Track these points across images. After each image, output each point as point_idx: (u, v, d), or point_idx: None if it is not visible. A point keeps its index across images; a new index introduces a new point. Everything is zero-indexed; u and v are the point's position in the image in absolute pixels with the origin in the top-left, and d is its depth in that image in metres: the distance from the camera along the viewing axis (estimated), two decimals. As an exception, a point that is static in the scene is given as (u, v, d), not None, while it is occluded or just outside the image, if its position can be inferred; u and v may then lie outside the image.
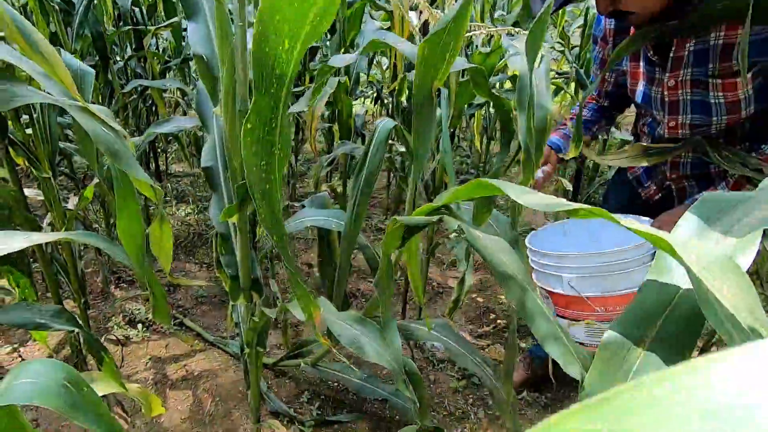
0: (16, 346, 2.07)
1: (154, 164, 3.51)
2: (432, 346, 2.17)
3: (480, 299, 2.56)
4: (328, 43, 2.81)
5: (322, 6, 0.38)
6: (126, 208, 0.74)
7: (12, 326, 0.86)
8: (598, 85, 1.40)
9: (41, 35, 0.56)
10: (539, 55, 0.92)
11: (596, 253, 1.05)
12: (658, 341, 0.40)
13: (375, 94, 3.28)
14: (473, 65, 0.76)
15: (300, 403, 1.80)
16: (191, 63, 2.49)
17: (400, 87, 1.97)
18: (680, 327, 0.40)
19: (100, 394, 0.94)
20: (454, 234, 1.90)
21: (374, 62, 3.20)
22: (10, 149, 1.19)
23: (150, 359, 2.03)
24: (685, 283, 0.41)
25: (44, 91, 0.62)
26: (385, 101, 3.27)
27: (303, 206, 1.36)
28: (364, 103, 3.77)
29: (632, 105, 1.39)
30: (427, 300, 2.53)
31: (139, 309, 2.34)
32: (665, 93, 1.16)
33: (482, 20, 2.16)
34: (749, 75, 1.01)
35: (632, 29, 1.17)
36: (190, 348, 2.12)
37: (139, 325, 2.23)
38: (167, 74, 2.45)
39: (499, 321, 2.36)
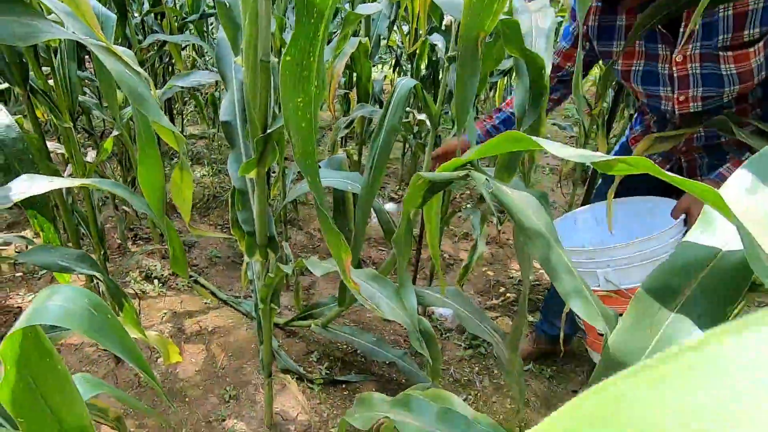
0: (36, 293, 2.14)
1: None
2: (440, 315, 2.20)
3: (490, 272, 2.57)
4: None
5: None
6: (147, 157, 0.73)
7: (37, 266, 0.88)
8: (560, 62, 1.36)
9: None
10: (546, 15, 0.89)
11: (633, 242, 0.99)
12: (695, 297, 0.39)
13: (394, 60, 3.20)
14: (508, 17, 0.73)
15: (309, 363, 1.85)
16: (209, 20, 2.44)
17: (421, 51, 1.91)
18: (722, 282, 0.38)
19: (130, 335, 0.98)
20: (468, 205, 1.88)
21: (394, 27, 3.10)
22: (32, 98, 1.19)
23: (166, 314, 2.09)
24: (726, 245, 0.39)
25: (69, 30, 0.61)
26: (404, 68, 3.19)
27: (319, 167, 1.34)
28: (382, 68, 3.69)
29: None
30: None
31: (155, 265, 2.39)
32: (674, 69, 1.12)
33: None
34: (761, 43, 0.97)
35: (621, 6, 1.13)
36: (205, 305, 2.18)
37: (156, 281, 2.29)
38: (184, 30, 2.40)
39: (508, 294, 2.37)
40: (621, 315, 1.13)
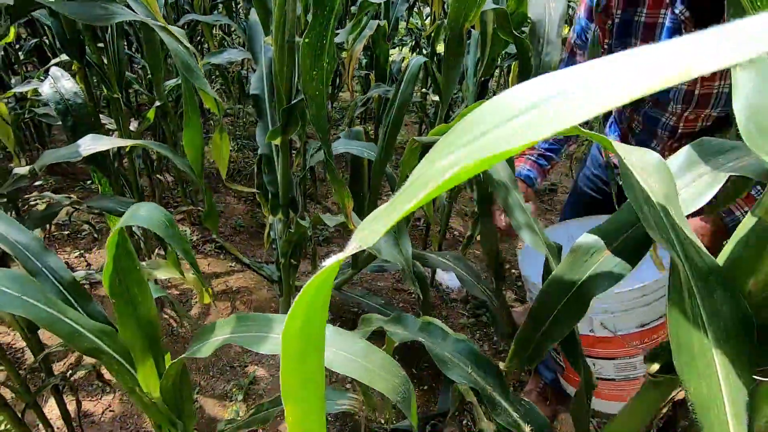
0: (82, 252, 2.37)
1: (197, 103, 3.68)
2: (447, 287, 2.33)
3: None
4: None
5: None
6: (191, 121, 0.88)
7: (98, 210, 1.05)
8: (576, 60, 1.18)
9: (135, -37, 0.68)
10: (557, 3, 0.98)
11: (630, 289, 0.89)
12: (622, 247, 0.51)
13: (413, 43, 3.27)
14: (498, 6, 0.83)
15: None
16: (237, 1, 2.57)
17: (437, 33, 2.00)
18: (639, 241, 0.51)
19: (163, 277, 1.15)
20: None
21: (414, 10, 3.17)
22: (87, 71, 1.35)
23: (190, 277, 2.29)
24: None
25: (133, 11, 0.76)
26: (424, 50, 3.27)
27: (339, 137, 1.48)
28: (402, 50, 3.77)
29: None
30: (447, 247, 2.67)
31: (185, 231, 2.59)
32: (697, 85, 0.98)
33: None
34: None
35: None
36: (229, 268, 2.37)
37: (185, 245, 2.49)
38: (215, 11, 2.54)
39: (513, 270, 2.48)
40: (611, 359, 0.98)
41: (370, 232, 0.18)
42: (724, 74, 0.95)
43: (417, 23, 3.52)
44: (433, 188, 0.17)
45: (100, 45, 1.40)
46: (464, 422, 1.63)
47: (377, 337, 0.84)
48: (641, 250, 0.53)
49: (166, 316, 1.97)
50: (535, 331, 0.48)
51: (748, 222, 0.39)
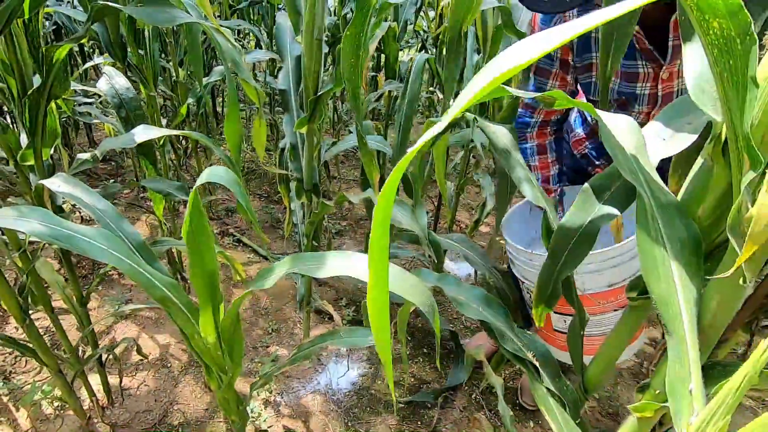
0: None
1: (211, 105, 3.83)
2: (455, 275, 2.44)
3: (503, 241, 2.79)
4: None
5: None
6: (232, 113, 1.00)
7: (155, 192, 1.17)
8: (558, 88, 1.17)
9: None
10: None
11: (600, 251, 0.96)
12: (614, 195, 0.63)
13: (420, 44, 3.40)
14: (502, 4, 0.95)
15: (339, 306, 2.14)
16: (255, 7, 2.71)
17: (443, 35, 2.12)
18: (629, 187, 0.62)
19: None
20: (480, 170, 2.11)
21: (421, 13, 3.30)
22: (127, 71, 1.49)
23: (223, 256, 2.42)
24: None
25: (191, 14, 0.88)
26: (430, 51, 3.39)
27: (350, 132, 1.59)
28: (409, 51, 3.91)
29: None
30: (455, 239, 2.79)
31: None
32: (659, 87, 1.03)
33: None
34: None
35: None
36: (248, 259, 2.50)
37: (205, 239, 2.63)
38: (234, 16, 2.69)
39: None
40: (582, 317, 1.13)
41: (455, 108, 0.29)
42: (680, 73, 1.01)
43: (424, 25, 3.65)
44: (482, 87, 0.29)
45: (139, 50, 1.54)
46: (473, 395, 1.73)
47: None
48: (630, 196, 0.64)
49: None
50: (552, 269, 0.60)
51: (699, 162, 0.50)
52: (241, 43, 2.99)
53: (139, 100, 1.17)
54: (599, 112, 0.55)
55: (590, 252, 0.88)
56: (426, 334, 2.01)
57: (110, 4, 0.79)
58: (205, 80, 1.63)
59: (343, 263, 0.62)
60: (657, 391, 0.56)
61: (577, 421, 0.68)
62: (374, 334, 0.45)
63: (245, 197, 0.72)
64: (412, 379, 1.80)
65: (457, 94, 1.69)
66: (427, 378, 1.82)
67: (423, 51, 3.40)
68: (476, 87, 0.30)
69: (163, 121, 1.98)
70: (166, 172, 1.78)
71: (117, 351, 1.67)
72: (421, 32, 3.30)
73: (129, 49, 1.44)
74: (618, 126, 0.55)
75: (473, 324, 2.10)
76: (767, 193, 0.37)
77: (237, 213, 2.95)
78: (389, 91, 2.22)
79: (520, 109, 1.17)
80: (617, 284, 1.02)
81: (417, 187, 0.92)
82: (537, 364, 0.68)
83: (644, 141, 0.55)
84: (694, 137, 0.59)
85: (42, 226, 0.66)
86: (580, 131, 1.33)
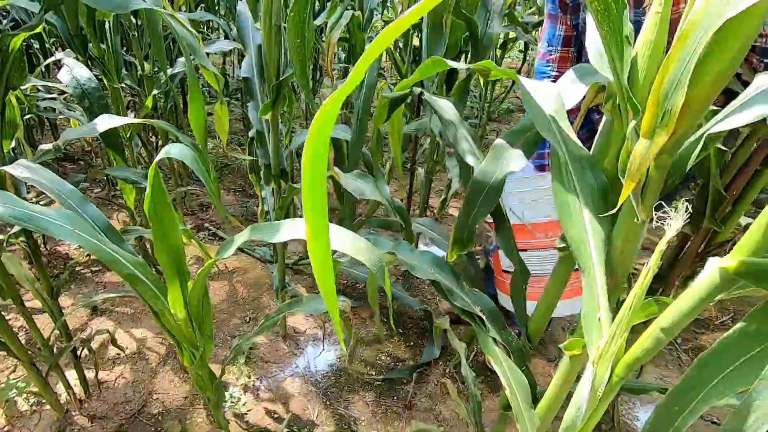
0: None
1: (182, 101, 3.79)
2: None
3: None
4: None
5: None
6: (194, 98, 1.03)
7: (122, 180, 1.19)
8: (566, 31, 1.25)
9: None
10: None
11: (540, 175, 1.05)
12: (523, 145, 0.69)
13: (389, 35, 3.44)
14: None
15: (316, 293, 2.18)
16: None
17: (410, 37, 2.17)
18: (534, 139, 0.68)
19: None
20: (447, 153, 2.17)
21: (388, 3, 3.34)
22: (89, 63, 1.48)
23: (191, 259, 2.43)
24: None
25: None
26: (398, 42, 3.43)
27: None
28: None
29: None
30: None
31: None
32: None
33: None
34: None
35: None
36: (224, 252, 2.51)
37: (180, 234, 2.63)
38: (198, 9, 2.67)
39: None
40: (523, 251, 1.14)
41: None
42: None
43: (391, 16, 3.68)
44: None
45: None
46: (447, 370, 1.80)
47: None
48: (534, 146, 0.70)
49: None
50: (468, 214, 0.66)
51: (604, 119, 0.56)
52: (209, 36, 2.98)
53: (101, 90, 1.18)
54: (524, 81, 0.61)
55: (528, 177, 0.93)
56: (400, 315, 2.07)
57: (64, -8, 0.80)
58: (169, 71, 1.64)
59: (295, 229, 0.66)
60: (582, 322, 0.63)
61: (522, 368, 0.74)
62: (319, 287, 0.50)
63: (204, 173, 0.75)
64: (388, 358, 1.86)
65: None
66: (403, 356, 1.88)
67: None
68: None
69: (131, 115, 1.97)
70: (135, 166, 1.79)
71: (93, 346, 1.67)
72: (389, 22, 3.34)
73: (90, 41, 1.44)
74: (539, 91, 0.61)
75: (445, 304, 2.17)
76: (641, 137, 0.43)
77: (211, 207, 2.95)
78: (357, 80, 2.25)
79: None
80: (554, 217, 1.07)
81: (375, 160, 0.98)
82: (483, 318, 0.74)
83: (563, 105, 0.61)
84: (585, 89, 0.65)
85: (3, 207, 0.68)
86: (557, 47, 1.33)
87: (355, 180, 0.97)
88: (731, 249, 0.41)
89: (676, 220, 0.40)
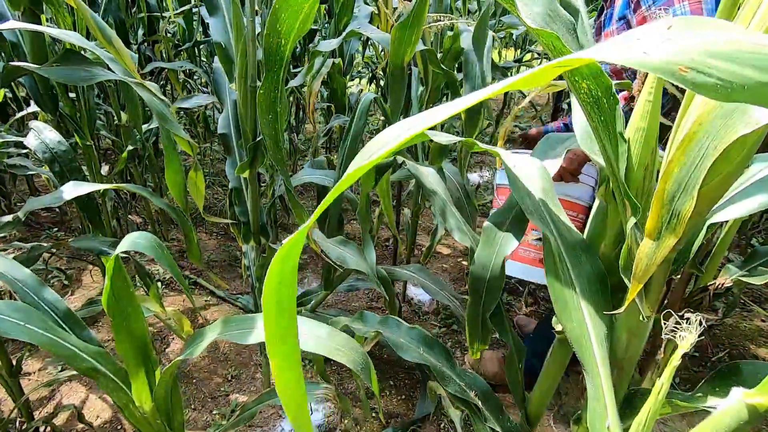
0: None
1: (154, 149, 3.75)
2: (419, 301, 2.45)
3: (464, 262, 2.83)
4: (327, 25, 3.01)
5: (305, 14, 0.62)
6: (171, 161, 0.99)
7: (84, 251, 1.11)
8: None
9: (114, 32, 0.80)
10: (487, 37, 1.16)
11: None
12: (511, 225, 0.65)
13: (370, 74, 3.48)
14: (425, 47, 1.00)
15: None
16: (200, 47, 2.70)
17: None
18: (522, 216, 0.65)
19: (146, 313, 1.21)
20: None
21: (369, 43, 3.40)
22: (61, 122, 1.44)
23: (170, 311, 2.31)
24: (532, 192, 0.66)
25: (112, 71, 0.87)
26: (380, 81, 3.48)
27: (302, 167, 1.60)
28: (360, 82, 3.99)
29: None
30: (416, 262, 2.80)
31: (157, 270, 2.61)
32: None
33: (454, 10, 2.36)
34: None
35: None
36: (205, 302, 2.40)
37: (159, 284, 2.51)
38: (177, 57, 2.66)
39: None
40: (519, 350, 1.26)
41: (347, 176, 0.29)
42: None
43: (372, 56, 3.74)
44: (348, 176, 0.30)
45: (72, 95, 1.49)
46: (441, 425, 1.71)
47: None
48: (524, 223, 0.67)
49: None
50: (477, 305, 0.61)
51: (597, 203, 0.53)
52: (189, 83, 2.96)
53: (72, 152, 1.13)
54: (505, 156, 0.58)
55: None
56: (392, 365, 1.99)
57: (23, 65, 0.76)
58: (145, 126, 1.59)
59: (272, 322, 0.61)
60: (587, 424, 0.58)
61: (524, 456, 0.68)
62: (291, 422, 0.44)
63: (171, 264, 0.69)
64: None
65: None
66: (396, 410, 1.79)
67: (373, 81, 3.49)
68: (364, 158, 0.31)
69: (105, 168, 1.91)
70: (109, 221, 1.71)
71: (59, 420, 1.54)
72: (371, 63, 3.39)
73: (61, 100, 1.39)
74: (526, 171, 0.57)
75: (439, 350, 2.09)
76: (645, 237, 0.40)
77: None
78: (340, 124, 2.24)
79: None
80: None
81: (364, 226, 0.93)
82: (479, 404, 0.68)
83: (552, 184, 0.58)
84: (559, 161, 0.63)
85: (-57, 308, 0.61)
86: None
87: (337, 247, 0.93)
88: (712, 295, 0.36)
89: (689, 333, 0.36)
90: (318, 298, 1.95)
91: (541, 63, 4.26)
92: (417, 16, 0.95)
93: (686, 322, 0.37)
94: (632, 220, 0.42)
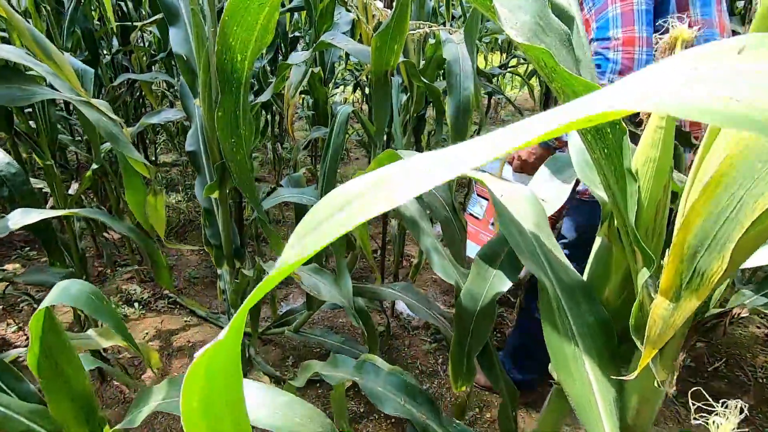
0: (21, 325, 2.23)
1: (143, 155, 3.63)
2: (408, 315, 2.37)
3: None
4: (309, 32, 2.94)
5: (262, 26, 0.54)
6: (131, 182, 0.90)
7: (32, 284, 1.02)
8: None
9: (53, 45, 0.71)
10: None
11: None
12: (506, 262, 0.58)
13: (354, 82, 3.42)
14: (406, 59, 0.93)
15: (286, 367, 1.99)
16: (176, 56, 2.61)
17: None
18: (514, 256, 0.57)
19: (108, 345, 1.11)
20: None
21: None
22: (16, 140, 1.34)
23: (148, 333, 2.20)
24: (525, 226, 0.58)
25: (54, 88, 0.78)
26: (365, 89, 3.41)
27: (281, 185, 1.52)
28: (344, 90, 3.92)
29: None
30: (404, 275, 2.72)
31: (134, 289, 2.50)
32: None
33: (438, 17, 2.31)
34: None
35: None
36: (185, 323, 2.30)
37: (136, 304, 2.40)
38: (153, 67, 2.56)
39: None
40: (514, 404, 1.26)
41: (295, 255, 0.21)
42: None
43: (357, 63, 3.68)
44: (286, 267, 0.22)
45: (29, 110, 1.39)
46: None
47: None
48: (518, 262, 0.60)
49: (116, 383, 1.88)
50: (462, 342, 0.54)
51: (598, 242, 0.46)
52: (167, 95, 2.86)
53: (23, 174, 1.03)
54: (491, 184, 0.51)
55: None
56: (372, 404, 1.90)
57: (-53, 85, 0.67)
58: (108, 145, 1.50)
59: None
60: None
61: None
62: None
63: (111, 317, 0.60)
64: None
65: (387, 136, 1.62)
66: (384, 437, 1.70)
67: (357, 88, 3.42)
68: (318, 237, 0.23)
69: (75, 185, 1.80)
70: (75, 242, 1.60)
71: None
72: (355, 71, 3.32)
73: (16, 117, 1.29)
74: (515, 199, 0.50)
75: (429, 367, 2.01)
76: (660, 295, 0.32)
77: (172, 270, 2.74)
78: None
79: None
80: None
81: (339, 257, 0.85)
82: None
83: (545, 212, 0.50)
84: (569, 188, 0.56)
85: None
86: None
87: (311, 275, 0.84)
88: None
89: (726, 420, 0.29)
90: (302, 318, 1.86)
91: (527, 69, 4.23)
92: (398, 23, 0.88)
93: (721, 406, 0.29)
94: (644, 273, 0.34)
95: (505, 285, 0.56)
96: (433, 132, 4.01)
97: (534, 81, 4.35)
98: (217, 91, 0.94)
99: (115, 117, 0.80)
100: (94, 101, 0.78)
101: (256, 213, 0.77)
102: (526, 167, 1.35)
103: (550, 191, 0.57)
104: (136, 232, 1.00)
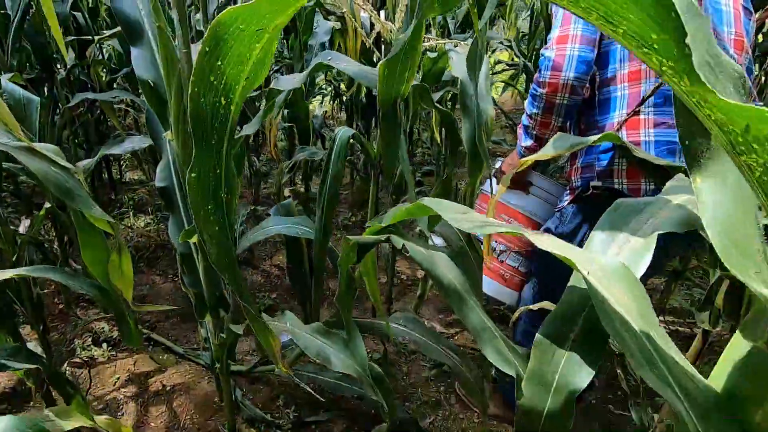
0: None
1: (106, 173, 3.38)
2: (403, 338, 2.24)
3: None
4: (284, 41, 2.79)
5: (257, 62, 0.40)
6: (89, 240, 0.74)
7: None
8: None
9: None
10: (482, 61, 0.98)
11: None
12: (579, 340, 0.46)
13: (333, 92, 3.28)
14: (419, 83, 0.81)
15: (276, 408, 1.82)
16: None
17: (358, 89, 2.00)
18: (594, 326, 0.46)
19: (70, 428, 0.94)
20: (419, 228, 1.95)
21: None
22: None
23: (119, 378, 1.99)
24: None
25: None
26: (344, 99, 3.28)
27: (268, 214, 1.38)
28: (322, 101, 3.77)
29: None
30: (397, 293, 2.59)
31: (103, 328, 2.27)
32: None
33: (434, 27, 2.22)
34: None
35: None
36: (161, 362, 2.09)
37: (104, 344, 2.17)
38: (114, 84, 2.35)
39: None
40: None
41: None
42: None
43: (335, 71, 3.54)
44: None
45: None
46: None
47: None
48: (598, 337, 0.48)
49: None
50: None
51: (739, 344, 0.34)
52: (137, 117, 2.64)
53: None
54: (579, 262, 0.39)
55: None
56: (371, 418, 1.76)
57: None
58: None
59: None
60: None
61: None
62: None
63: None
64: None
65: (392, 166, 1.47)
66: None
67: (337, 99, 3.28)
68: None
69: (26, 222, 1.59)
70: (26, 293, 1.40)
71: None
72: (333, 81, 3.18)
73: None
74: (605, 278, 0.38)
75: (432, 397, 1.89)
76: None
77: (144, 302, 2.52)
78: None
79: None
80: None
81: (345, 314, 0.71)
82: None
83: (647, 297, 0.39)
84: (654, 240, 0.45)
85: None
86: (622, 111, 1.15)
87: (317, 338, 0.71)
88: None
89: None
90: (293, 355, 1.70)
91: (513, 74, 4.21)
92: (411, 48, 0.75)
93: None
94: None
95: (583, 378, 0.44)
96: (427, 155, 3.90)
97: (520, 85, 4.38)
98: (191, 147, 0.79)
99: (67, 165, 0.64)
100: (38, 146, 0.62)
101: (244, 305, 0.62)
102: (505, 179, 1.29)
103: (625, 253, 0.46)
104: (98, 287, 0.84)
